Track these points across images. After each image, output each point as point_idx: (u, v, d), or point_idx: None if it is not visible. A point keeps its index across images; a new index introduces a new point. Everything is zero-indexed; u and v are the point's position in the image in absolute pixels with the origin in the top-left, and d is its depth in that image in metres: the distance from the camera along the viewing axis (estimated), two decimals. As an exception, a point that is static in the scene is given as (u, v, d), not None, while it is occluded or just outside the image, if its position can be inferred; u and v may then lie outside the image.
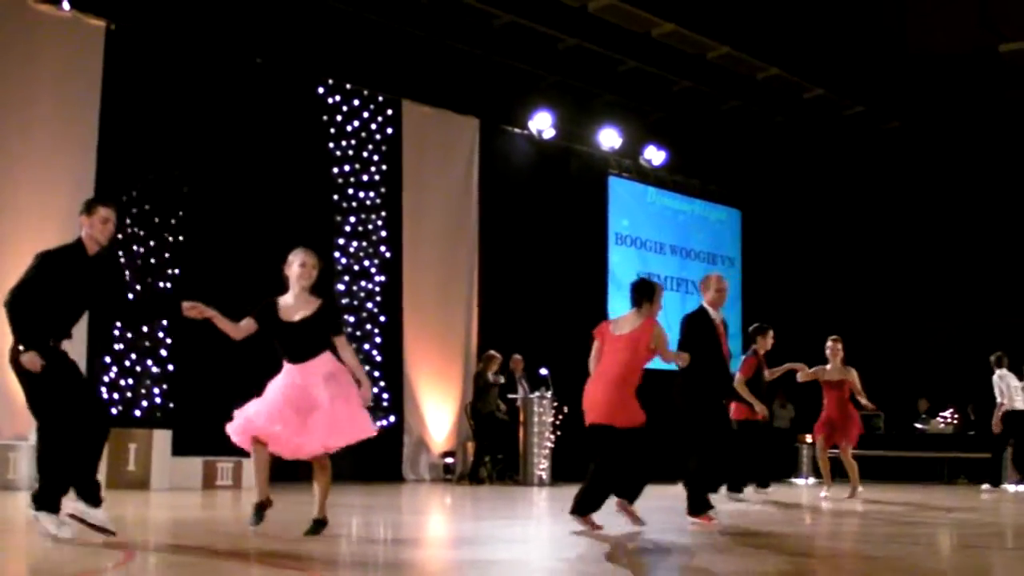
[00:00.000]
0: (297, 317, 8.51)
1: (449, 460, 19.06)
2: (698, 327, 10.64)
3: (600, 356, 9.85)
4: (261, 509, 8.59)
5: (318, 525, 8.60)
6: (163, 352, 15.77)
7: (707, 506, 10.35)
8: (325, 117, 18.47)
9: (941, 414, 22.99)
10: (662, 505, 13.51)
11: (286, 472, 16.14)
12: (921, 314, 24.62)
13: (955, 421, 22.82)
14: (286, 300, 8.61)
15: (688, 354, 10.16)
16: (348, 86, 18.72)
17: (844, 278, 25.62)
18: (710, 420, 10.56)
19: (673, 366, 10.11)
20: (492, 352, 18.72)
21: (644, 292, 9.88)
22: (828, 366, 15.65)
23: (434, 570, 7.56)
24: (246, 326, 8.53)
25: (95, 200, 8.57)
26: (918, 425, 23.24)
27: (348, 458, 17.88)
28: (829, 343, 15.76)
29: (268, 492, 8.65)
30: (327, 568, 7.16)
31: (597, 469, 9.68)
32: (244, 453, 13.45)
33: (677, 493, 14.61)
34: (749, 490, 15.31)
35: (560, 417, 18.47)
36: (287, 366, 8.52)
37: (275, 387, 8.49)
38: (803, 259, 25.63)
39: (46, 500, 7.89)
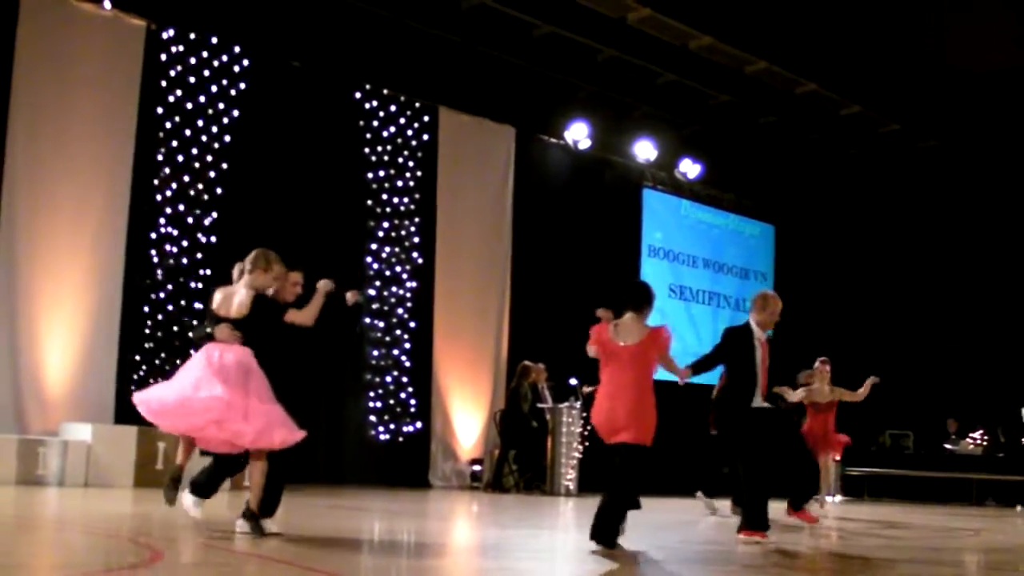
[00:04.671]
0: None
1: (476, 468, 19.06)
2: (738, 342, 10.50)
3: (604, 366, 9.31)
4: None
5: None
6: (192, 351, 15.80)
7: (763, 522, 10.06)
8: (361, 122, 18.49)
9: (971, 435, 22.87)
10: (682, 519, 13.53)
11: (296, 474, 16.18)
12: (953, 334, 24.48)
13: (985, 442, 22.69)
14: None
15: (689, 371, 10.00)
16: (385, 91, 18.74)
17: (876, 296, 25.51)
18: (749, 434, 10.27)
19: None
20: (528, 363, 18.67)
21: (646, 297, 9.37)
22: (815, 385, 15.33)
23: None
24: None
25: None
26: (947, 446, 23.12)
27: (372, 463, 18.02)
28: (818, 365, 15.50)
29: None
30: (351, 573, 7.17)
31: (613, 491, 9.10)
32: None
33: (694, 506, 14.62)
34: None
35: (588, 428, 18.40)
36: None
37: None
38: (836, 276, 25.53)
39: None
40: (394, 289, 18.59)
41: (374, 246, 18.44)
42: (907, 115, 23.63)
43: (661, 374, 9.38)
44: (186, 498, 8.74)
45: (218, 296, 8.72)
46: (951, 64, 22.79)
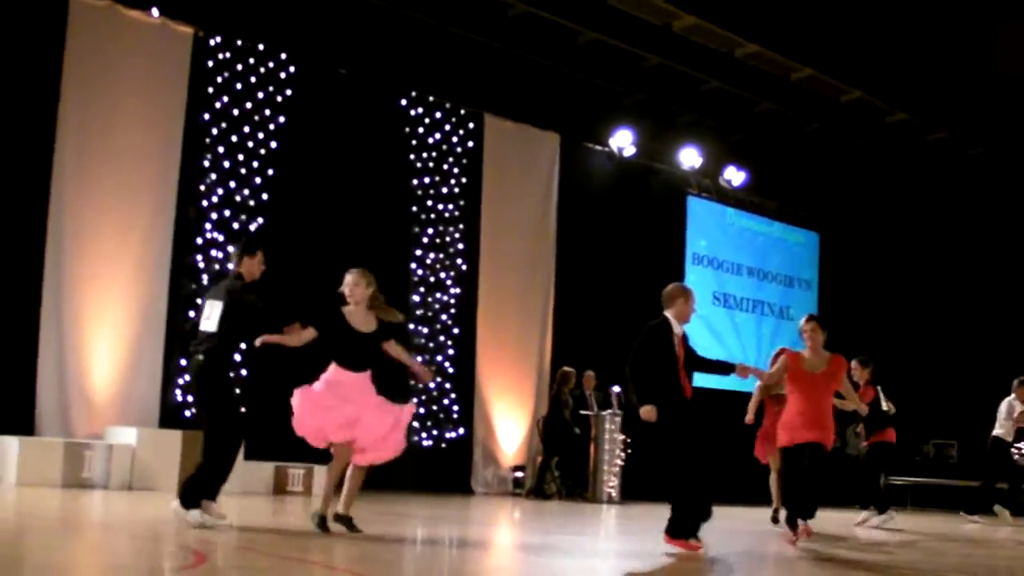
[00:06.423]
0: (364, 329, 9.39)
1: (519, 474, 19.06)
2: (658, 339, 9.68)
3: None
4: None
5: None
6: (236, 356, 15.85)
7: (692, 531, 9.31)
8: (407, 129, 18.56)
9: (1016, 444, 22.63)
10: (751, 528, 13.47)
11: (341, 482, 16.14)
12: (999, 342, 24.26)
13: (1032, 451, 22.44)
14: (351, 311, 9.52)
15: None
16: (431, 98, 18.80)
17: (921, 305, 25.34)
18: (671, 436, 9.41)
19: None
20: (568, 368, 18.66)
21: None
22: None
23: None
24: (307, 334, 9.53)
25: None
26: (993, 455, 22.87)
27: (415, 469, 18.04)
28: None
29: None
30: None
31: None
32: (317, 459, 13.57)
33: (761, 517, 14.56)
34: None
35: (631, 435, 18.35)
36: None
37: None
38: (881, 284, 25.40)
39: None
40: (438, 295, 18.63)
41: (419, 252, 18.49)
42: (955, 122, 23.45)
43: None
44: (183, 510, 9.13)
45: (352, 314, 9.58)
46: (1000, 70, 22.58)
